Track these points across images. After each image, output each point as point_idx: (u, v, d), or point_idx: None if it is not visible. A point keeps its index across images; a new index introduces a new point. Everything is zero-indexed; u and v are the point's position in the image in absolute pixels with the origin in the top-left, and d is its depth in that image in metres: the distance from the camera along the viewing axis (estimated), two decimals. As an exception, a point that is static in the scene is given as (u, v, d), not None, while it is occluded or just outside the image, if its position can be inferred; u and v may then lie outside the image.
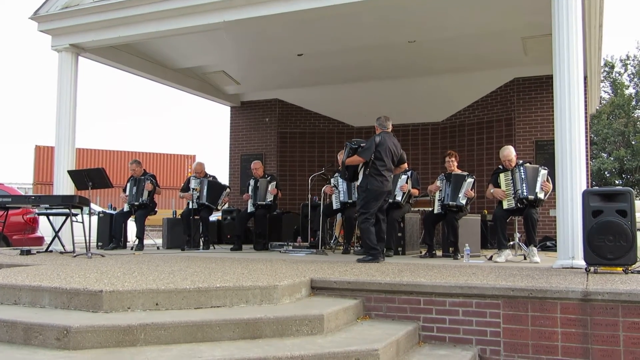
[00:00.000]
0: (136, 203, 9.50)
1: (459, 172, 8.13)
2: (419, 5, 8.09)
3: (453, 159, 8.18)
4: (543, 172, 7.24)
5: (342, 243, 9.33)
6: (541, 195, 7.19)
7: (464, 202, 7.81)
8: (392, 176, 7.14)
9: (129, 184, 9.75)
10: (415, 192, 8.56)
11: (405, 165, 7.52)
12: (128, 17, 8.51)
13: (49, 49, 9.25)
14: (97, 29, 8.83)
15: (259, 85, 12.93)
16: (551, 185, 7.08)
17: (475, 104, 11.86)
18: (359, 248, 8.27)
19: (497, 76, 11.22)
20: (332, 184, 9.01)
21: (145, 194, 9.50)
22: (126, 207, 9.66)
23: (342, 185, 8.71)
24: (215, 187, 9.90)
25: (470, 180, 7.91)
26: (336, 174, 8.89)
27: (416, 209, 9.55)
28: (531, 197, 7.15)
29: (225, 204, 10.21)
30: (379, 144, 6.90)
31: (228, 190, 10.09)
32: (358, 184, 7.28)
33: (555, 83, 6.03)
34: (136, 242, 9.48)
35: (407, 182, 8.29)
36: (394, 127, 12.39)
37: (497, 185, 7.53)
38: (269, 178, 9.86)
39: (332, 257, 7.92)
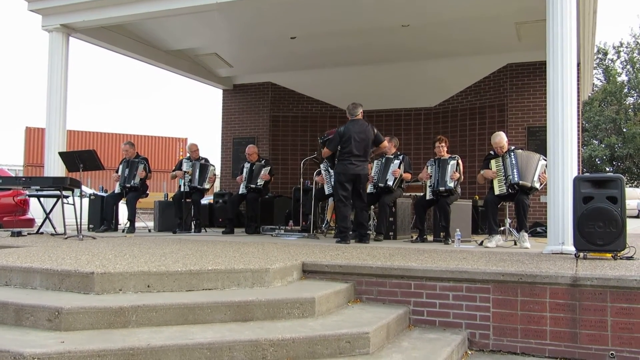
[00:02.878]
0: (128, 185, 9.48)
1: (446, 156, 8.14)
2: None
3: (443, 144, 8.18)
4: (542, 163, 7.24)
5: (334, 227, 9.35)
6: (537, 185, 7.23)
7: (452, 185, 7.83)
8: (364, 160, 7.51)
9: (121, 166, 9.71)
10: (407, 176, 8.59)
11: (386, 143, 7.97)
12: (120, -2, 8.41)
13: (40, 29, 9.14)
14: (88, 8, 8.71)
15: (252, 68, 12.86)
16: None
17: (468, 89, 11.85)
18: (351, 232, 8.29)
19: (490, 61, 11.21)
20: (323, 169, 9.00)
21: (137, 177, 9.47)
22: (117, 189, 9.62)
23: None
24: (205, 169, 9.88)
25: (453, 162, 7.93)
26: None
27: (408, 194, 9.57)
28: (524, 183, 7.17)
29: (212, 182, 10.11)
30: (342, 134, 7.48)
31: (213, 167, 10.01)
32: None
33: (548, 69, 6.02)
34: (127, 225, 9.46)
35: (399, 167, 8.31)
36: (386, 112, 12.55)
37: (488, 171, 7.57)
38: (263, 162, 9.83)
39: (323, 241, 7.95)
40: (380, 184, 8.27)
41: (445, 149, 8.19)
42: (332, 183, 8.72)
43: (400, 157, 8.44)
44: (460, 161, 8.07)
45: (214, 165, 10.15)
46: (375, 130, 7.70)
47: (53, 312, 3.51)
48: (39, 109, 71.12)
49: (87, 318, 3.54)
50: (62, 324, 3.48)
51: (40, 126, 23.83)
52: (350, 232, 7.54)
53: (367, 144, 7.53)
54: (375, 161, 8.53)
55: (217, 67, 12.77)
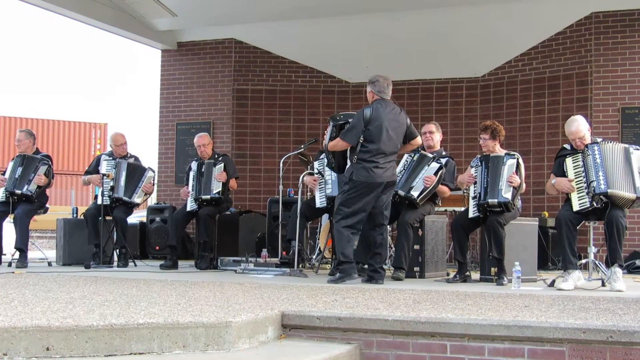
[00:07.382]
0: (18, 192, 9.43)
1: (500, 152, 8.08)
2: None
3: (487, 135, 8.06)
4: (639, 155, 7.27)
5: (330, 259, 9.34)
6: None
7: (508, 195, 7.78)
8: (392, 161, 7.56)
9: (11, 164, 9.73)
10: (444, 190, 8.53)
11: (418, 140, 7.96)
12: None
13: None
14: None
15: (206, 17, 12.83)
16: None
17: (534, 51, 11.88)
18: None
19: (566, 9, 11.24)
20: (315, 171, 8.97)
21: (34, 184, 9.47)
22: (0, 196, 9.57)
23: (330, 172, 8.69)
24: (137, 173, 9.89)
25: (510, 161, 7.84)
26: (322, 156, 8.86)
27: (443, 208, 9.57)
28: (617, 192, 7.11)
29: (147, 194, 10.05)
30: (370, 120, 7.38)
31: (151, 174, 9.96)
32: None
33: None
34: (16, 256, 9.45)
35: (436, 174, 8.26)
36: (410, 84, 12.58)
37: (562, 174, 7.57)
38: (219, 159, 9.77)
39: (314, 279, 7.96)
40: (400, 192, 8.26)
41: (496, 143, 8.08)
42: (329, 191, 8.72)
43: (443, 161, 8.41)
44: (521, 161, 8.00)
45: (153, 171, 10.08)
46: (409, 120, 7.77)
47: None
48: None
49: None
50: None
51: None
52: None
53: (400, 140, 7.64)
54: (406, 155, 8.53)
55: (153, 16, 12.73)
